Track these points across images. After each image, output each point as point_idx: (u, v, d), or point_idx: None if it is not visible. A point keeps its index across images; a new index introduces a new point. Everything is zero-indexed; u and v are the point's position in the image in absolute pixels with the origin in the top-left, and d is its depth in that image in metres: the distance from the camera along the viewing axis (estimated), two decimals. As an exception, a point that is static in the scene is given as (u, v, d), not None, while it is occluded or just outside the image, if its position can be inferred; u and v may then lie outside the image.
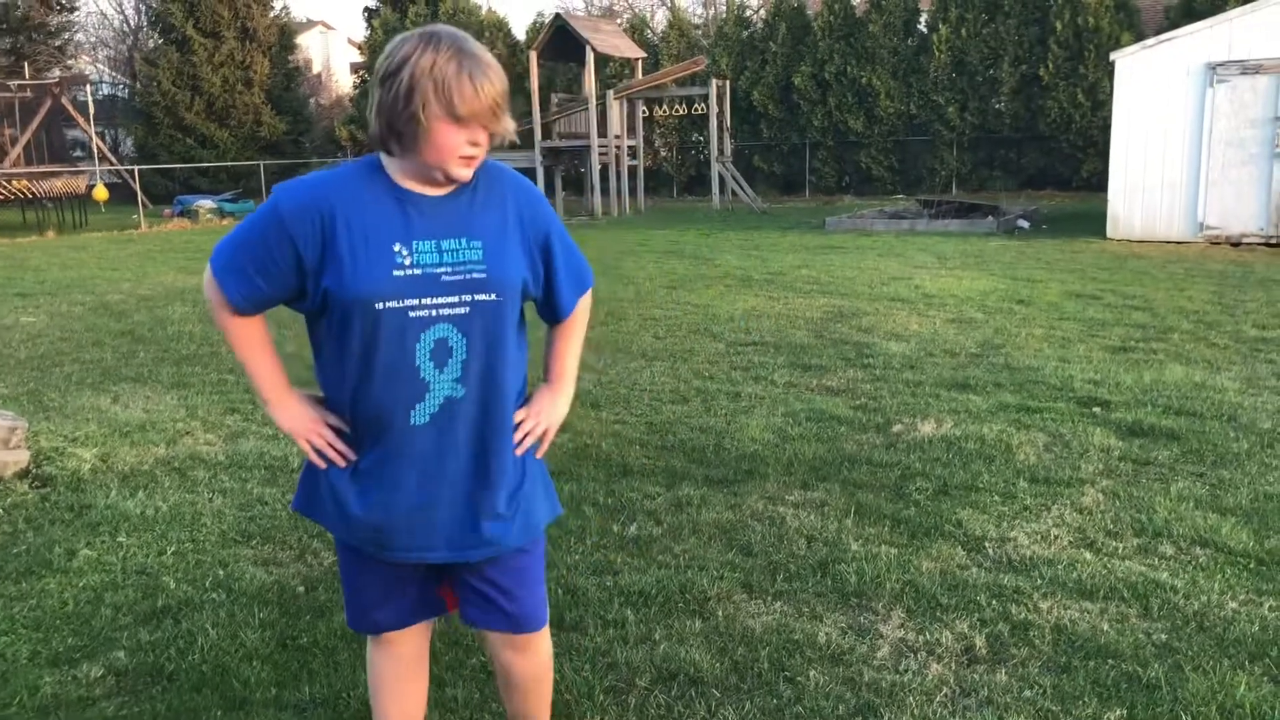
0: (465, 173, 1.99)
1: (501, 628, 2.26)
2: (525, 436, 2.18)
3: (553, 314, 2.25)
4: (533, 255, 2.12)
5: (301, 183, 2.03)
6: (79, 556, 4.01)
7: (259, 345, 2.15)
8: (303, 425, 2.13)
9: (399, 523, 2.09)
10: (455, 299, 1.99)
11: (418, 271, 1.96)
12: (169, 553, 4.05)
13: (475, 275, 2.00)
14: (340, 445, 2.10)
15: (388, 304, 1.95)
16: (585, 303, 2.30)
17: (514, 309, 2.09)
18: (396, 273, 1.95)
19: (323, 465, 2.13)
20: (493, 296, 2.02)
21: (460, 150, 1.94)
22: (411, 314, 1.97)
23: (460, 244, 2.00)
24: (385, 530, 2.10)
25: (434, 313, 1.98)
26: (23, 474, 4.94)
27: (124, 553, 4.05)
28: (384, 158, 2.03)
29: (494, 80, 1.91)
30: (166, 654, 3.23)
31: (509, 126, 1.97)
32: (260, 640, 3.30)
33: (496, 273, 2.02)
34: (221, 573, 3.85)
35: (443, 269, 1.98)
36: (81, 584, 3.77)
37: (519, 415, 2.17)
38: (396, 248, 1.96)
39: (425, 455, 2.05)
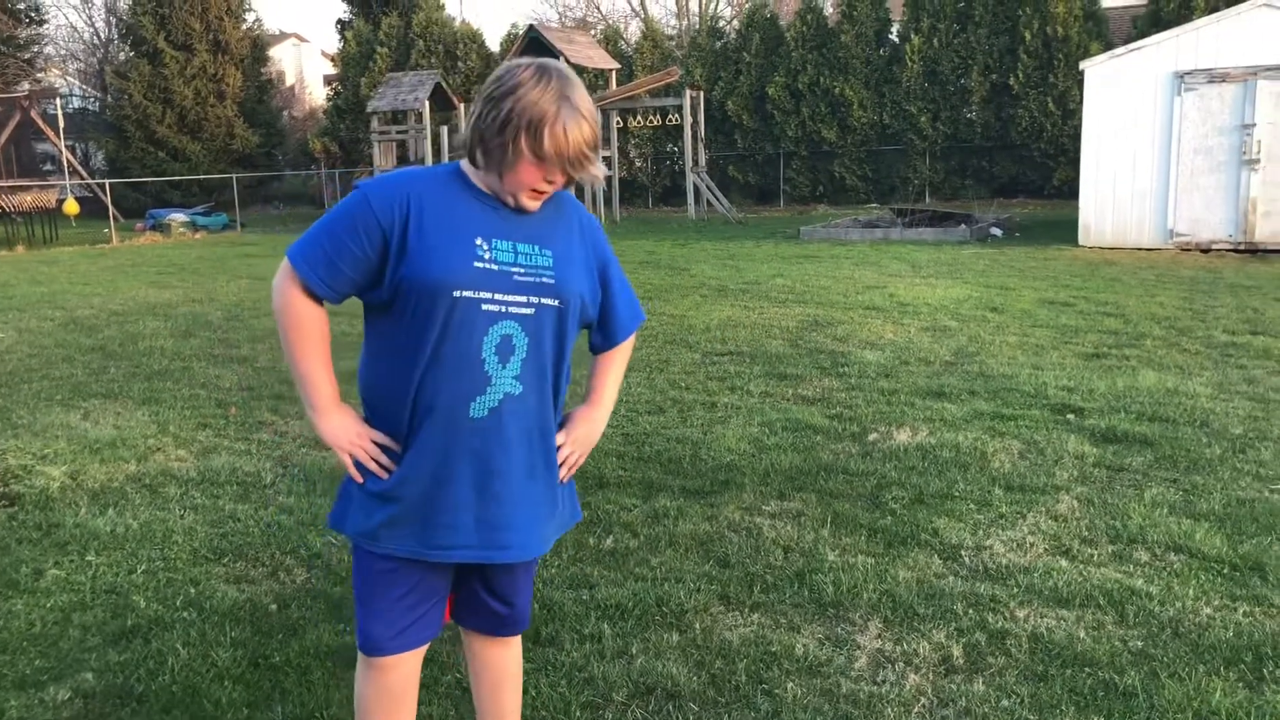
0: (533, 205, 2.10)
1: (494, 631, 2.38)
2: (564, 467, 2.29)
3: (607, 339, 2.35)
4: (594, 277, 2.24)
5: (388, 175, 2.14)
6: (47, 576, 3.95)
7: (319, 347, 2.17)
8: (347, 438, 2.16)
9: (450, 519, 2.12)
10: (524, 299, 2.08)
11: (494, 267, 2.06)
12: (139, 571, 3.99)
13: (545, 280, 2.10)
14: (384, 459, 2.14)
15: (464, 293, 2.03)
16: (633, 339, 2.41)
17: (574, 320, 2.19)
18: (476, 264, 2.05)
19: (360, 479, 2.17)
20: (557, 303, 2.12)
21: (535, 184, 2.05)
22: (484, 306, 2.05)
23: (534, 250, 2.11)
24: (436, 527, 2.12)
25: (503, 309, 2.07)
26: (-10, 493, 4.87)
27: (93, 572, 3.99)
28: (466, 166, 2.14)
29: (585, 130, 2.00)
30: (136, 675, 3.18)
31: (594, 172, 2.06)
32: (232, 660, 3.25)
33: (563, 281, 2.13)
34: (193, 591, 3.80)
35: (516, 269, 2.08)
36: (49, 604, 3.71)
37: (559, 439, 2.26)
38: (478, 241, 2.06)
39: (480, 450, 2.10)
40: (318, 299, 2.13)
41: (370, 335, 2.18)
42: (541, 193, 2.08)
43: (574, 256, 2.18)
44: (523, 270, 2.09)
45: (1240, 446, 5.17)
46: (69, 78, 42.54)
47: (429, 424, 2.09)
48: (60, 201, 24.65)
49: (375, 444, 2.15)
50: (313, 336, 2.15)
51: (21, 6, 35.64)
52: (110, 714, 2.98)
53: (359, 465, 2.16)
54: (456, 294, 2.03)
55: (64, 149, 29.45)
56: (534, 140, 1.97)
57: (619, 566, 3.91)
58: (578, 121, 1.99)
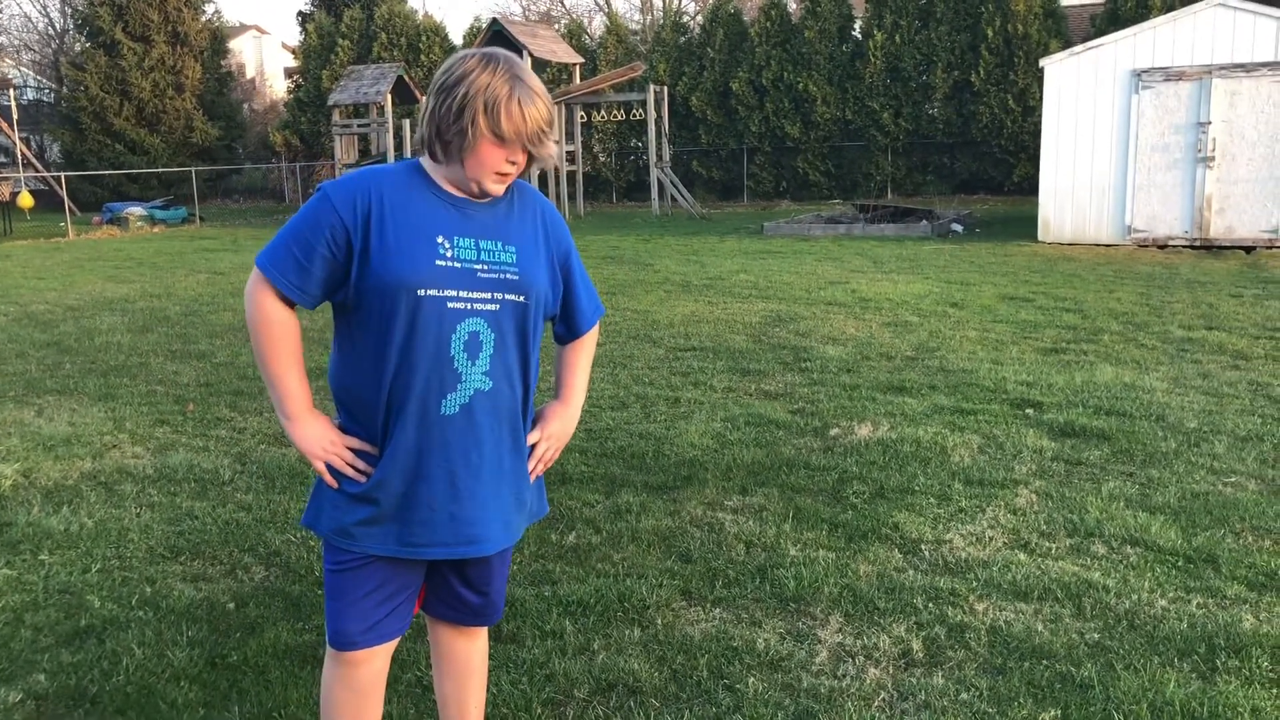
0: (498, 188, 2.12)
1: (467, 621, 2.38)
2: (538, 463, 2.30)
3: (571, 330, 2.37)
4: (554, 271, 2.25)
5: (348, 175, 2.14)
6: (-2, 576, 3.88)
7: (292, 355, 2.16)
8: (320, 445, 2.16)
9: (425, 516, 2.13)
10: (489, 295, 2.10)
11: (457, 264, 2.07)
12: (94, 570, 3.93)
13: (508, 276, 2.12)
14: (360, 464, 2.14)
15: (429, 291, 2.05)
16: (597, 330, 2.43)
17: (538, 315, 2.21)
18: (439, 262, 2.06)
19: (335, 485, 2.16)
20: (521, 298, 2.14)
21: (498, 167, 2.07)
22: (449, 304, 2.07)
23: (496, 246, 2.13)
24: (411, 524, 2.13)
25: (469, 306, 2.08)
26: (-60, 491, 4.78)
27: (46, 571, 3.93)
28: (426, 163, 2.15)
29: (539, 107, 2.04)
30: (89, 676, 3.13)
31: (550, 151, 2.10)
32: (188, 659, 3.21)
33: (527, 276, 2.15)
34: (149, 590, 3.75)
35: (479, 265, 2.10)
36: (0, 605, 3.64)
37: (533, 437, 2.28)
38: (439, 239, 2.08)
39: (453, 446, 2.11)
40: (291, 304, 2.13)
41: (339, 336, 2.18)
42: (505, 175, 2.09)
43: (537, 251, 2.20)
44: (486, 267, 2.10)
45: (1195, 440, 5.24)
46: (23, 68, 41.79)
47: (402, 423, 2.10)
48: (14, 194, 24.22)
49: (352, 450, 2.15)
50: (285, 343, 2.15)
51: (-26, -4, 35.00)
52: (63, 715, 2.93)
53: (334, 471, 2.15)
54: (420, 293, 2.04)
55: (18, 141, 28.94)
56: (491, 119, 2.00)
57: (581, 562, 3.90)
58: (532, 98, 2.02)
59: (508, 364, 2.15)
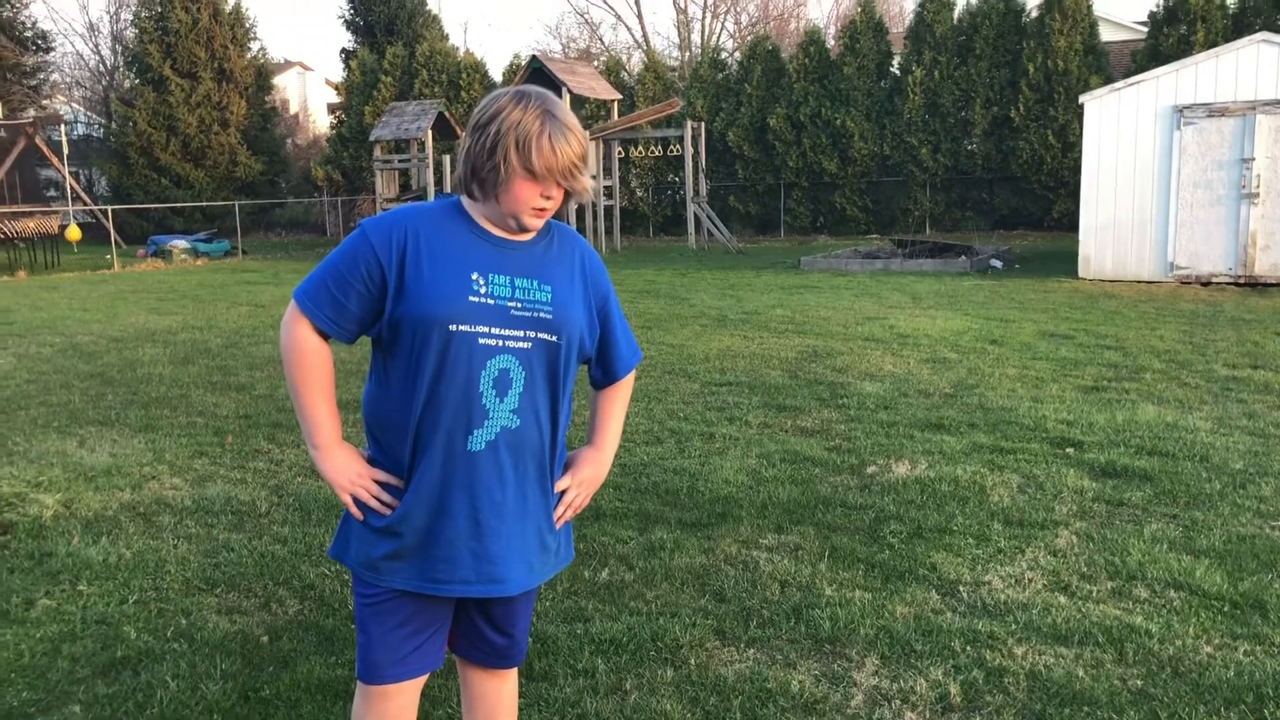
0: (536, 222, 2.13)
1: (491, 664, 2.38)
2: (567, 509, 2.29)
3: (607, 374, 2.36)
4: (591, 313, 2.25)
5: (388, 213, 2.17)
6: (37, 606, 3.92)
7: (323, 387, 2.19)
8: (347, 477, 2.17)
9: (448, 553, 2.13)
10: (521, 333, 2.10)
11: (490, 301, 2.08)
12: (130, 601, 3.96)
13: (542, 314, 2.12)
14: (386, 496, 2.15)
15: (460, 327, 2.06)
16: (633, 375, 2.42)
17: (572, 356, 2.19)
18: (472, 298, 2.07)
19: (361, 517, 2.17)
20: (555, 338, 2.13)
21: (534, 202, 2.08)
22: (480, 340, 2.07)
23: (532, 284, 2.13)
24: (434, 560, 2.13)
25: (500, 343, 2.09)
26: (-17, 521, 4.84)
27: (84, 602, 3.96)
28: (465, 201, 2.17)
29: (572, 143, 2.05)
30: (124, 708, 3.14)
31: (585, 185, 2.11)
32: (221, 693, 3.22)
33: (561, 316, 2.14)
34: (184, 622, 3.77)
35: (513, 303, 2.10)
36: (39, 635, 3.68)
37: (564, 482, 2.28)
38: (474, 276, 2.09)
39: (477, 483, 2.11)
40: (325, 338, 2.16)
41: (374, 368, 2.20)
42: (542, 210, 2.10)
43: (573, 292, 2.19)
44: (520, 305, 2.10)
45: (1240, 482, 5.14)
46: (74, 104, 42.75)
47: (428, 457, 2.11)
48: (63, 227, 24.69)
49: (377, 482, 2.16)
50: (317, 375, 2.17)
51: (28, 34, 35.90)
52: (97, 748, 2.94)
53: (360, 503, 2.17)
54: (453, 328, 2.05)
55: (68, 175, 29.56)
56: (523, 156, 2.02)
57: (614, 600, 3.88)
58: (564, 133, 2.04)
59: (537, 403, 2.15)
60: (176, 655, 3.50)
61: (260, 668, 3.39)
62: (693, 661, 3.38)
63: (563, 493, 2.27)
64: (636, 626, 3.60)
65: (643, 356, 2.44)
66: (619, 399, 2.40)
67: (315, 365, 2.17)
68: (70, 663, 3.46)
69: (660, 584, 4.01)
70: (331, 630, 3.66)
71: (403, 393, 2.12)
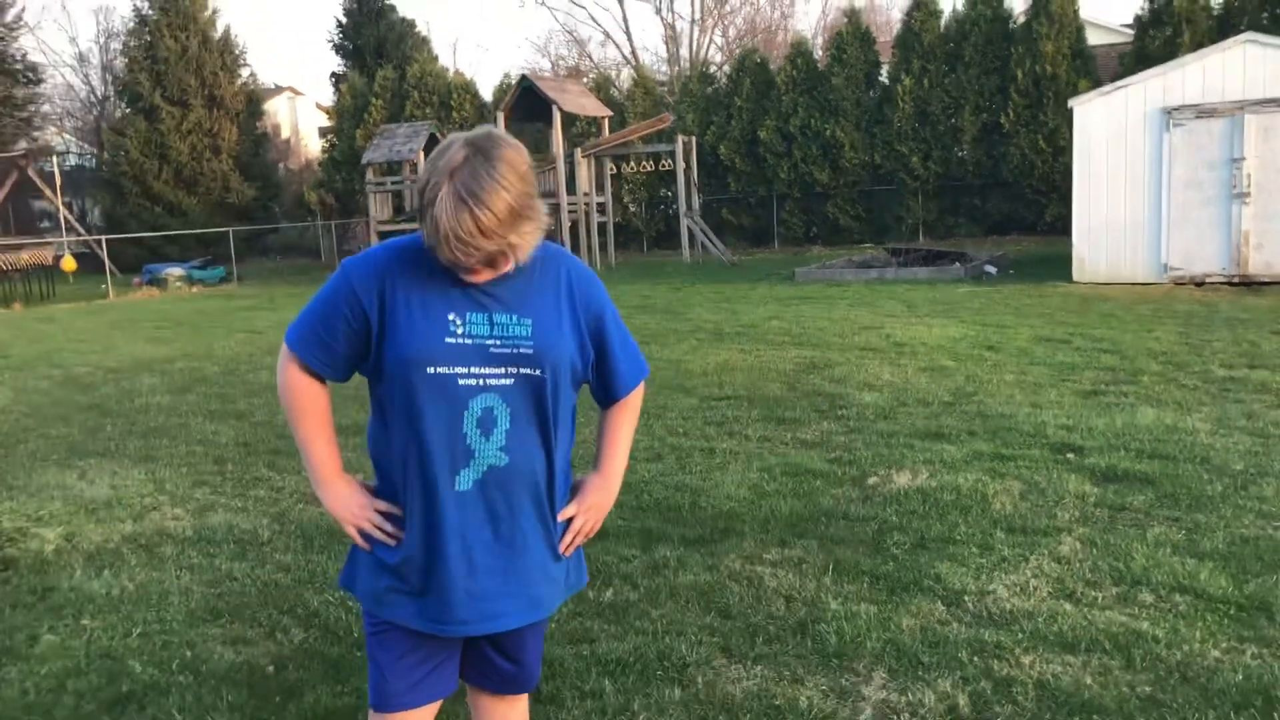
0: (475, 278, 2.04)
1: (502, 690, 2.38)
2: (576, 536, 2.26)
3: (608, 393, 2.32)
4: (583, 337, 2.20)
5: (367, 252, 2.16)
6: (41, 642, 3.91)
7: (321, 423, 2.21)
8: (350, 510, 2.18)
9: (443, 595, 2.12)
10: (502, 370, 2.07)
11: (468, 341, 2.06)
12: (134, 634, 3.95)
13: (523, 350, 2.08)
14: (389, 527, 2.15)
15: (438, 369, 2.04)
16: (640, 391, 2.36)
17: (560, 387, 2.15)
18: (449, 339, 2.05)
19: (368, 549, 2.18)
20: (538, 371, 2.10)
21: (466, 274, 2.02)
22: (460, 381, 2.05)
23: (511, 319, 2.09)
24: (430, 602, 2.13)
25: (481, 382, 2.06)
26: (-16, 557, 4.83)
27: (88, 636, 3.95)
28: None
29: (462, 218, 1.89)
30: (131, 743, 3.13)
31: (520, 242, 1.97)
32: (228, 725, 3.21)
33: (543, 349, 2.10)
34: (189, 654, 3.76)
35: (492, 341, 2.07)
36: (44, 671, 3.66)
37: (569, 511, 2.25)
38: (451, 316, 2.06)
39: (468, 523, 2.10)
40: (319, 377, 2.17)
41: (372, 405, 2.21)
42: (476, 272, 2.01)
43: (559, 320, 2.14)
44: (499, 342, 2.07)
45: (1242, 483, 5.14)
46: (66, 135, 42.83)
47: (418, 495, 2.11)
48: (58, 258, 24.72)
49: (381, 513, 2.16)
50: (314, 413, 2.20)
51: (18, 67, 35.97)
52: (105, 784, 2.93)
53: (366, 535, 2.17)
54: (430, 370, 2.05)
55: (61, 206, 29.60)
56: (441, 242, 1.92)
57: (619, 620, 3.87)
58: (457, 205, 1.89)
59: (526, 437, 2.12)
60: (182, 688, 3.48)
61: (267, 698, 3.38)
62: (700, 680, 3.37)
63: (569, 520, 2.26)
64: (643, 646, 3.60)
65: (649, 373, 2.40)
66: (625, 419, 2.37)
67: (310, 404, 2.19)
68: (76, 698, 3.45)
69: (665, 602, 4.01)
70: (338, 658, 3.65)
71: (390, 434, 2.13)
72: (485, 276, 2.05)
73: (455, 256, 1.95)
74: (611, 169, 26.17)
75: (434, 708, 2.29)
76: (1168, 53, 21.19)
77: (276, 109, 47.51)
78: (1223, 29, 22.06)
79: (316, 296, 2.16)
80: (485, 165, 1.92)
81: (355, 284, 2.09)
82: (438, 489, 2.08)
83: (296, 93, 53.10)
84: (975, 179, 26.15)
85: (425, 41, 36.76)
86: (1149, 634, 3.52)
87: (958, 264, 17.66)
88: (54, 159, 31.24)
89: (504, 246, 1.96)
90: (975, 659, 3.42)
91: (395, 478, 2.14)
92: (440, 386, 2.05)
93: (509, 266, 2.05)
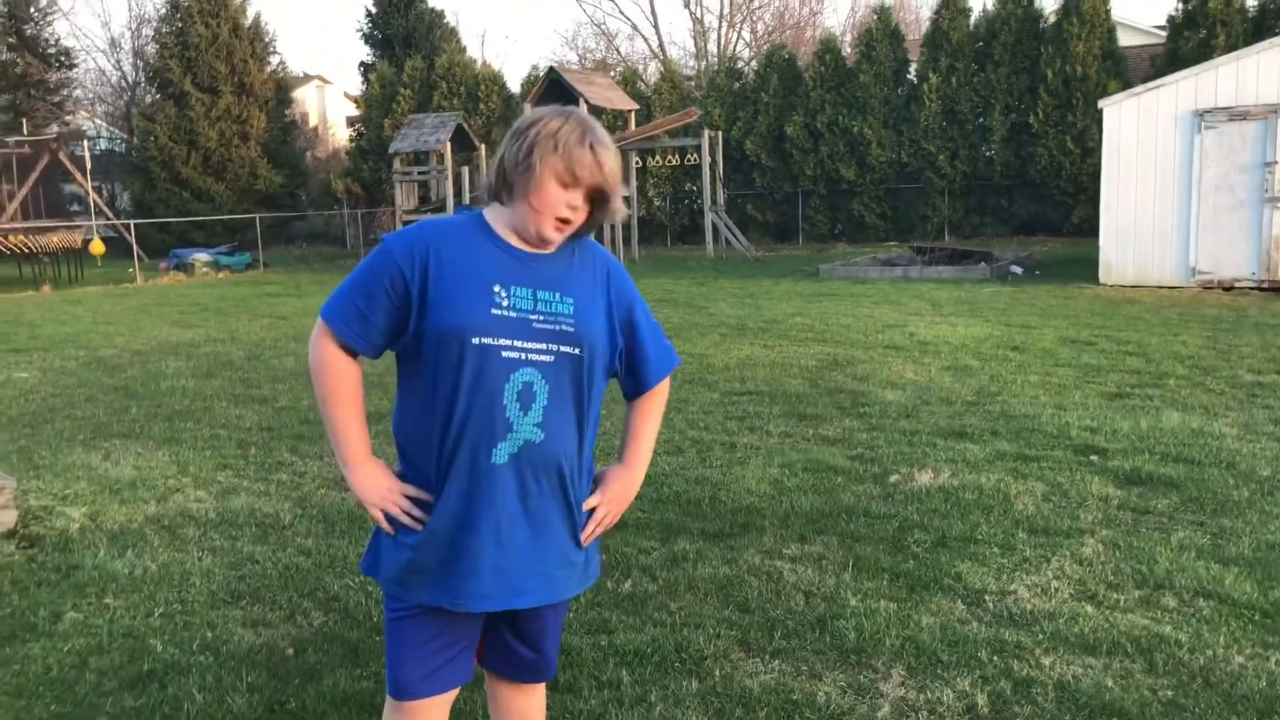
0: (557, 236, 2.12)
1: (519, 678, 2.39)
2: (597, 526, 2.27)
3: (637, 384, 2.33)
4: (614, 326, 2.23)
5: (410, 227, 2.19)
6: (64, 620, 3.94)
7: (352, 402, 2.20)
8: (379, 493, 2.18)
9: (471, 566, 2.12)
10: (544, 346, 2.10)
11: (513, 314, 2.08)
12: (156, 614, 3.98)
13: (564, 327, 2.12)
14: (417, 512, 2.15)
15: (483, 340, 2.06)
16: (666, 384, 2.38)
17: (595, 370, 2.19)
18: (494, 311, 2.07)
19: (391, 532, 2.18)
20: (577, 350, 2.13)
21: (559, 210, 2.07)
22: (503, 354, 2.07)
23: (554, 296, 2.13)
24: (456, 575, 2.13)
25: (523, 356, 2.09)
26: (9, 534, 4.88)
27: (110, 615, 3.98)
28: (488, 215, 2.18)
29: (607, 156, 2.07)
30: (151, 721, 3.16)
31: (617, 206, 2.12)
32: (248, 705, 3.23)
33: (584, 329, 2.14)
34: (209, 634, 3.79)
35: (535, 316, 2.10)
36: (66, 648, 3.70)
37: (593, 501, 2.26)
38: (496, 289, 2.09)
39: (500, 496, 2.11)
40: (353, 353, 2.17)
41: (401, 383, 2.21)
42: (566, 222, 2.10)
43: (595, 304, 2.19)
44: (542, 317, 2.10)
45: (1269, 489, 5.09)
46: (96, 120, 43.13)
47: (453, 471, 2.11)
48: (86, 242, 24.89)
49: (408, 497, 2.16)
50: (346, 391, 2.19)
51: (52, 51, 36.29)
52: (125, 761, 2.95)
53: (390, 518, 2.17)
54: (475, 341, 2.06)
55: (90, 190, 29.83)
56: (560, 158, 2.04)
57: (638, 611, 3.87)
58: (602, 145, 2.06)
59: (561, 417, 2.14)
60: (203, 668, 3.51)
61: (286, 680, 3.40)
62: (718, 673, 3.36)
63: (591, 510, 2.26)
64: (661, 638, 3.60)
65: (680, 363, 2.39)
66: (652, 411, 2.38)
67: (343, 381, 2.18)
68: (98, 676, 3.48)
69: (684, 595, 4.01)
70: (357, 642, 3.67)
71: (426, 407, 2.13)
72: (556, 239, 2.12)
73: (588, 197, 2.07)
74: (637, 162, 26.16)
75: (451, 695, 2.29)
76: (1201, 54, 20.97)
77: (305, 97, 47.70)
78: (1258, 31, 21.82)
79: (355, 271, 2.17)
80: (601, 128, 2.10)
81: (398, 256, 2.11)
82: (476, 462, 2.09)
83: (325, 81, 53.26)
84: (1002, 179, 25.99)
85: (454, 32, 36.77)
86: (1171, 638, 3.50)
87: (983, 264, 17.56)
88: (84, 143, 31.47)
89: (610, 192, 2.07)
90: (995, 659, 3.40)
91: (428, 454, 2.13)
92: (485, 358, 2.06)
93: (568, 231, 2.13)
